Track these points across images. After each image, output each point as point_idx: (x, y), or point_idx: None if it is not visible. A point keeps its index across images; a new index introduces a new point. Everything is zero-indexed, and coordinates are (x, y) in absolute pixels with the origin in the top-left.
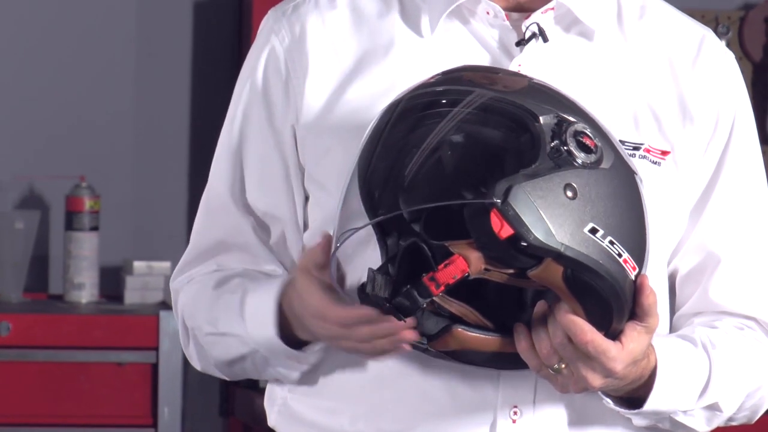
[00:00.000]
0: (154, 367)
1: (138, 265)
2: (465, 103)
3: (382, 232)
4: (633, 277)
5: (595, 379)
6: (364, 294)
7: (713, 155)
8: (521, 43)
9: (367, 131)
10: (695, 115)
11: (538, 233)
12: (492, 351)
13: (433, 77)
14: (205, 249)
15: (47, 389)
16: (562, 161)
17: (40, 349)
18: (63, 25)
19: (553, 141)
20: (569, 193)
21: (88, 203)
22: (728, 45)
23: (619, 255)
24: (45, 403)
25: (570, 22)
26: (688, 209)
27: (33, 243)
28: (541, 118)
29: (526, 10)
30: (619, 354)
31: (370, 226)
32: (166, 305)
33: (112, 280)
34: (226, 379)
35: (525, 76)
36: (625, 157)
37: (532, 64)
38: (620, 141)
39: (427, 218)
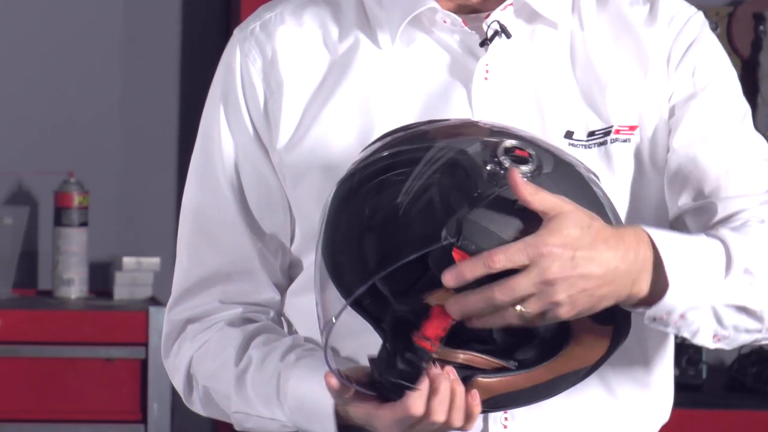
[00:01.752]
0: (144, 363)
1: (127, 260)
2: (390, 166)
3: (371, 316)
4: None
5: (558, 293)
6: (374, 384)
7: (681, 85)
8: (485, 43)
9: (320, 222)
10: (653, 63)
11: None
12: (522, 388)
13: (360, 156)
14: (206, 277)
15: (36, 385)
16: (502, 180)
17: (29, 344)
18: (51, 21)
19: (487, 165)
20: (520, 207)
21: (77, 199)
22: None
23: None
24: (34, 398)
25: (530, 14)
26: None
27: (22, 239)
28: (468, 150)
29: (483, 11)
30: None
31: (358, 315)
32: (155, 301)
33: (101, 276)
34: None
35: (449, 120)
36: (567, 158)
37: (499, 61)
38: (590, 132)
39: (401, 286)
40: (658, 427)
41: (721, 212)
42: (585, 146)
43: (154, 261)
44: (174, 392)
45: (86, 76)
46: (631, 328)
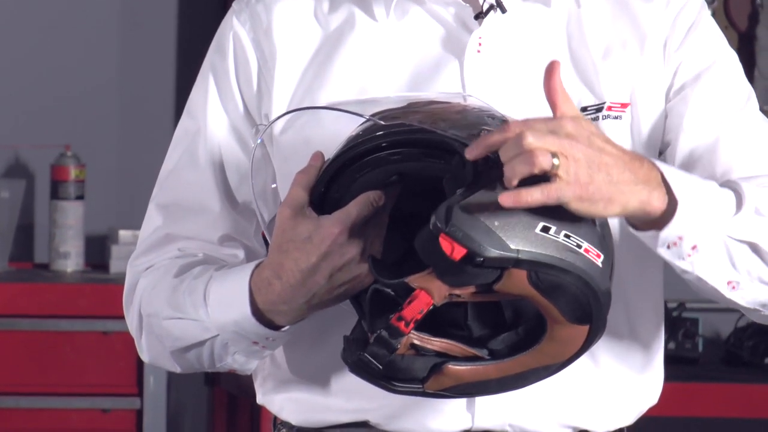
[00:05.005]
0: None
1: (123, 233)
2: (391, 144)
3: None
4: (600, 264)
5: (577, 150)
6: (346, 360)
7: (677, 64)
8: (479, 16)
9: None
10: (649, 44)
11: (491, 245)
12: (491, 378)
13: (354, 131)
14: (173, 236)
15: (32, 358)
16: (496, 172)
17: (26, 318)
18: None
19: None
20: None
21: (73, 172)
22: (713, 14)
23: (579, 246)
24: (30, 372)
25: None
26: (657, 149)
27: (18, 212)
28: (462, 139)
29: None
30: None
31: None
32: None
33: (97, 249)
34: (176, 371)
35: (437, 102)
36: None
37: (492, 36)
38: (582, 108)
39: (383, 263)
40: (647, 408)
41: None
42: None
43: None
44: None
45: (83, 49)
46: (605, 329)
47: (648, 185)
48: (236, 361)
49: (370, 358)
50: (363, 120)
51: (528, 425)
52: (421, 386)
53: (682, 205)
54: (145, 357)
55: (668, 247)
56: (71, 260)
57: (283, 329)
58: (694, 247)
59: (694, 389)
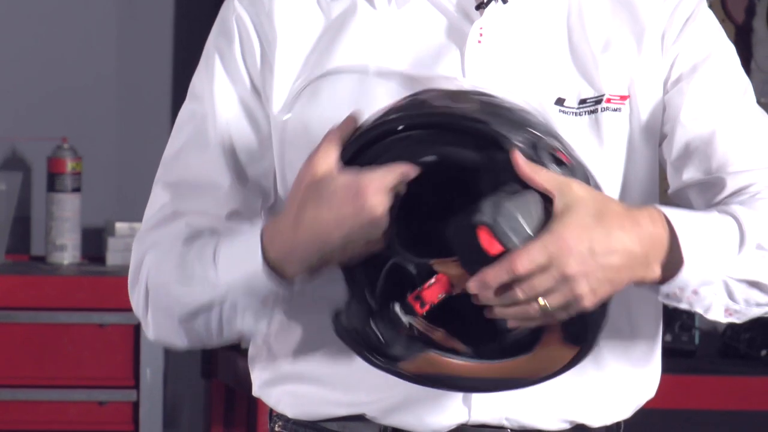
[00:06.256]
0: (137, 329)
1: (120, 226)
2: (435, 125)
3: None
4: None
5: (579, 286)
6: (339, 325)
7: (673, 58)
8: (481, 6)
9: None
10: (648, 37)
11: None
12: (467, 376)
13: (398, 103)
14: (181, 212)
15: (29, 351)
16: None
17: (22, 310)
18: None
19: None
20: (550, 207)
21: (70, 165)
22: (710, 7)
23: None
24: (27, 364)
25: None
26: (656, 141)
27: (15, 204)
28: (514, 139)
29: None
30: (551, 245)
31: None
32: None
33: (94, 242)
34: (182, 345)
35: (485, 94)
36: (586, 167)
37: (493, 26)
38: (581, 100)
39: (402, 240)
40: (644, 402)
41: (730, 187)
42: (575, 114)
43: None
44: (167, 358)
45: (80, 42)
46: (595, 347)
47: (652, 255)
48: (245, 323)
49: (375, 329)
50: (408, 95)
51: (525, 419)
52: (396, 365)
53: (688, 264)
54: (150, 334)
55: (668, 296)
56: (68, 253)
57: (292, 284)
58: (694, 292)
59: (690, 382)
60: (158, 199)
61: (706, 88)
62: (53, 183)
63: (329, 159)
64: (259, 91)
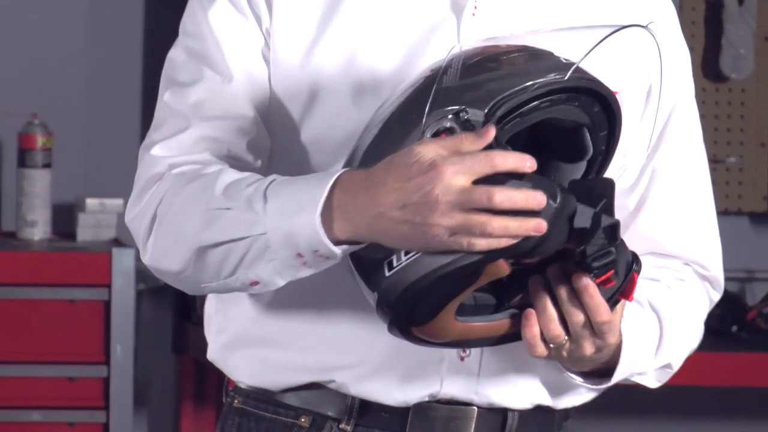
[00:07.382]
0: (107, 305)
1: (91, 202)
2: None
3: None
4: None
5: (588, 348)
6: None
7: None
8: None
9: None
10: (631, 52)
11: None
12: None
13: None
14: (203, 137)
15: None
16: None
17: None
18: None
19: None
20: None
21: (40, 140)
22: None
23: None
24: None
25: None
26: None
27: None
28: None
29: None
30: (616, 327)
31: None
32: (118, 242)
33: (64, 218)
34: (179, 277)
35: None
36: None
37: (489, 3)
38: None
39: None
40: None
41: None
42: None
43: (118, 203)
44: (137, 333)
45: (51, 16)
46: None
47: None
48: (263, 274)
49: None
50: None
51: (495, 397)
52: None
53: (617, 374)
54: (147, 259)
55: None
56: (38, 228)
57: (335, 251)
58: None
59: None
60: (171, 122)
61: (672, 179)
62: (24, 159)
63: (440, 143)
64: (263, 28)
